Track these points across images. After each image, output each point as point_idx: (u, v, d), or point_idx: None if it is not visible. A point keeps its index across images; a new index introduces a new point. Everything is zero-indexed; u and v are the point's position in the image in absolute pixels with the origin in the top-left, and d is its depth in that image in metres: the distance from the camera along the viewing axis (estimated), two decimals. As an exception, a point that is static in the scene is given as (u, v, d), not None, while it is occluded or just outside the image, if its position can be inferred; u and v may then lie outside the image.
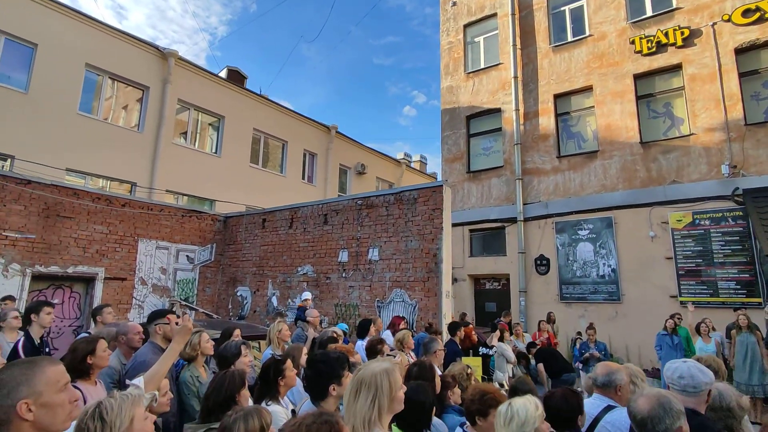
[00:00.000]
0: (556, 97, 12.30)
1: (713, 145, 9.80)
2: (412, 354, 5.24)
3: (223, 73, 16.90)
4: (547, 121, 12.27)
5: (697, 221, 9.60)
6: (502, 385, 6.23)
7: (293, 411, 2.74)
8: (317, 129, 18.30)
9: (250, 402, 2.59)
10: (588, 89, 11.84)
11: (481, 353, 6.54)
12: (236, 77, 17.21)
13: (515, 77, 12.78)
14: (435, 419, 2.76)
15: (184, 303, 10.65)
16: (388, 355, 4.17)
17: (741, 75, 9.81)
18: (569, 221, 11.22)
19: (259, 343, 6.00)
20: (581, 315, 10.55)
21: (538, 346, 8.11)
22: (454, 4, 14.82)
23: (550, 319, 9.29)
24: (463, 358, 5.78)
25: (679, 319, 8.17)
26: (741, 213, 9.12)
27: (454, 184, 13.39)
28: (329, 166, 18.40)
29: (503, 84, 13.16)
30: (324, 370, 2.42)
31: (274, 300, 10.37)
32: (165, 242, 10.64)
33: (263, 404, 2.62)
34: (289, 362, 2.80)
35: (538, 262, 11.45)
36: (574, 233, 11.09)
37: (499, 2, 13.67)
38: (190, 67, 14.26)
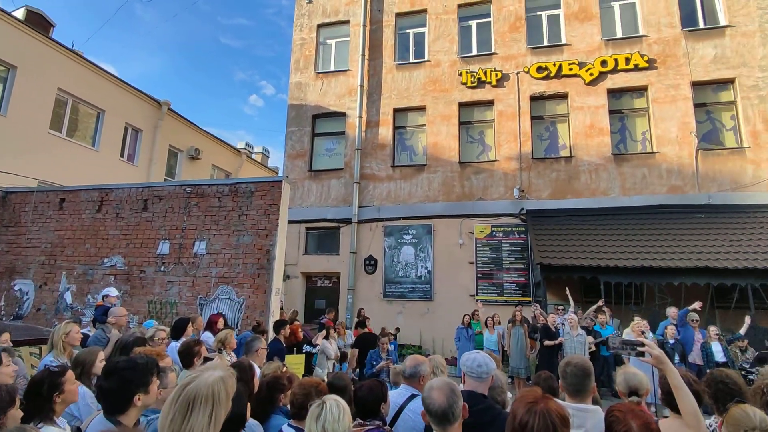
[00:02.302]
0: (396, 111, 13.33)
1: (510, 171, 11.93)
2: (233, 354, 5.04)
3: (19, 14, 13.53)
4: (385, 132, 13.18)
5: (494, 233, 11.56)
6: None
7: (78, 429, 2.37)
8: (145, 102, 16.06)
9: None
10: (422, 108, 13.15)
11: (304, 351, 6.67)
12: (38, 22, 13.95)
13: (361, 86, 13.41)
14: (251, 421, 2.69)
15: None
16: (206, 357, 3.93)
17: (532, 118, 12.18)
18: (397, 226, 12.27)
19: (40, 349, 5.01)
20: (399, 311, 11.65)
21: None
22: (310, 1, 14.79)
23: (361, 316, 9.93)
24: (286, 356, 5.81)
25: (478, 314, 9.66)
26: (523, 229, 11.33)
27: (295, 181, 13.34)
28: (156, 146, 16.32)
29: (350, 90, 13.67)
30: (128, 378, 2.15)
31: (68, 296, 8.73)
32: None
33: (32, 426, 2.19)
34: (69, 374, 2.37)
35: (368, 262, 12.22)
36: (400, 237, 12.18)
37: (353, 11, 14.17)
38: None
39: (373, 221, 12.53)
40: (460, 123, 12.73)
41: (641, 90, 11.63)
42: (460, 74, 12.78)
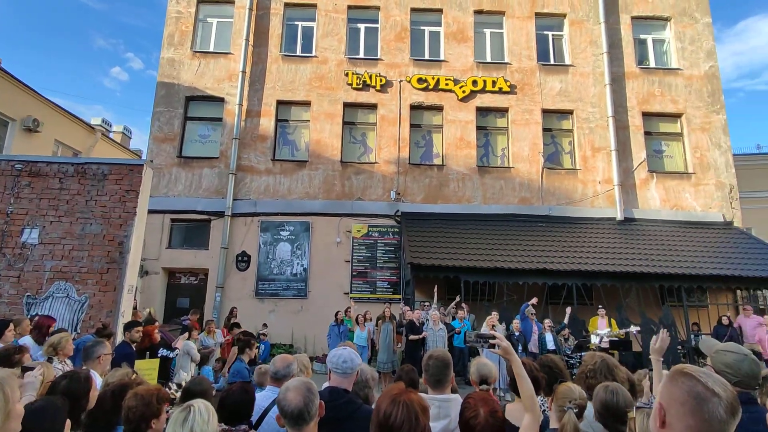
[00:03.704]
0: (279, 103, 12.93)
1: (388, 174, 12.44)
2: (68, 362, 4.36)
3: None
4: (267, 123, 12.70)
5: (371, 233, 11.94)
6: (180, 386, 5.95)
7: None
8: (-39, 53, 12.94)
9: None
10: (307, 104, 12.98)
11: (159, 355, 6.06)
12: None
13: (243, 72, 12.71)
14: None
15: None
16: (24, 367, 3.31)
17: (411, 125, 12.89)
18: (274, 221, 11.91)
19: None
20: (272, 310, 11.34)
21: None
22: (189, -29, 13.51)
23: (234, 314, 9.51)
24: (137, 361, 5.22)
25: (362, 314, 9.75)
26: (397, 230, 11.93)
27: (161, 166, 12.09)
28: (-25, 109, 13.30)
29: (230, 75, 12.86)
30: None
31: None
32: None
33: None
34: None
35: (240, 258, 11.64)
36: (277, 233, 11.85)
37: (238, -9, 13.36)
38: None
39: (248, 215, 11.96)
40: (344, 123, 12.88)
41: (503, 111, 13.13)
42: (347, 74, 12.93)
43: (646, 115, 13.19)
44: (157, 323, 7.72)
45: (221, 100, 12.77)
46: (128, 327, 5.30)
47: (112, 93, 75.58)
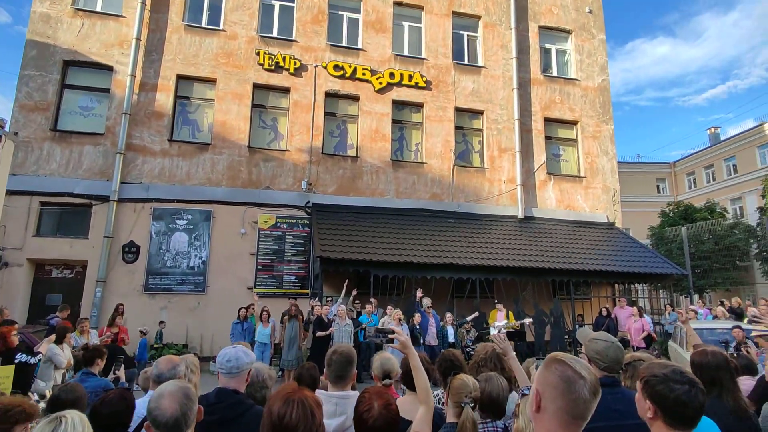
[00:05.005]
0: (180, 77, 11.98)
1: (300, 163, 12.17)
2: None
3: None
4: (165, 99, 11.70)
5: (279, 224, 11.61)
6: (44, 397, 5.27)
7: None
8: None
9: None
10: (212, 81, 12.17)
11: (17, 361, 5.29)
12: None
13: (138, 39, 11.53)
14: None
15: None
16: None
17: (326, 113, 12.72)
18: (169, 209, 11.05)
19: None
20: (164, 306, 10.54)
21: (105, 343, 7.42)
22: None
23: (119, 312, 8.69)
24: (-15, 369, 4.52)
25: (266, 310, 9.30)
26: (307, 222, 11.74)
27: (29, 140, 10.60)
28: None
29: (122, 41, 11.60)
30: None
31: None
32: None
33: None
34: None
35: (127, 249, 10.63)
36: (172, 222, 11.01)
37: (132, -54, 12.04)
38: None
39: (138, 201, 10.96)
40: (253, 105, 12.32)
41: (418, 106, 13.50)
42: (258, 53, 12.35)
43: (548, 121, 14.43)
44: (16, 324, 6.75)
45: (109, 68, 11.48)
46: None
47: (-33, 47, 64.19)
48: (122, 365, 3.89)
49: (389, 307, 9.01)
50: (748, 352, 5.15)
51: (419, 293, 9.74)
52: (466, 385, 2.35)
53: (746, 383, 3.18)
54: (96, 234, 10.50)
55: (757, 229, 20.97)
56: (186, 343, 10.36)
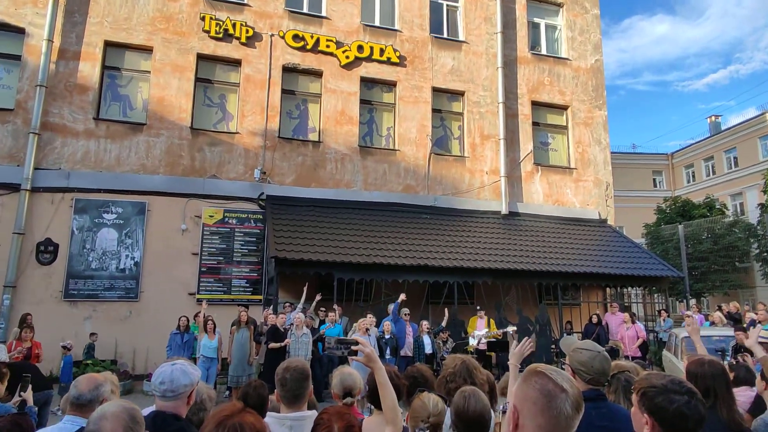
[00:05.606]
0: (108, 44, 11.62)
1: (252, 148, 11.98)
2: None
3: None
4: (90, 70, 11.30)
5: (227, 219, 11.42)
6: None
7: None
8: None
9: None
10: (148, 50, 11.84)
11: None
12: None
13: (55, -4, 11.05)
14: None
15: None
16: None
17: (284, 91, 12.57)
18: (95, 200, 10.76)
19: None
20: (88, 316, 10.24)
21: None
22: None
23: (27, 323, 8.33)
24: None
25: (211, 319, 9.09)
26: (261, 216, 11.59)
27: None
28: None
29: (36, -1, 11.10)
30: None
31: None
32: None
33: None
34: None
35: (43, 247, 10.28)
36: (99, 216, 10.70)
37: None
38: None
39: (57, 191, 10.60)
40: (197, 79, 12.08)
41: (391, 85, 13.51)
42: (203, 19, 12.07)
43: (535, 105, 14.73)
44: None
45: (21, 30, 11.02)
46: None
47: None
48: (29, 385, 3.70)
49: (369, 316, 8.95)
50: (745, 360, 5.40)
51: (402, 297, 9.57)
52: (424, 408, 2.36)
53: (745, 394, 3.32)
54: (4, 230, 10.09)
55: (758, 227, 22.07)
56: (115, 359, 10.06)
